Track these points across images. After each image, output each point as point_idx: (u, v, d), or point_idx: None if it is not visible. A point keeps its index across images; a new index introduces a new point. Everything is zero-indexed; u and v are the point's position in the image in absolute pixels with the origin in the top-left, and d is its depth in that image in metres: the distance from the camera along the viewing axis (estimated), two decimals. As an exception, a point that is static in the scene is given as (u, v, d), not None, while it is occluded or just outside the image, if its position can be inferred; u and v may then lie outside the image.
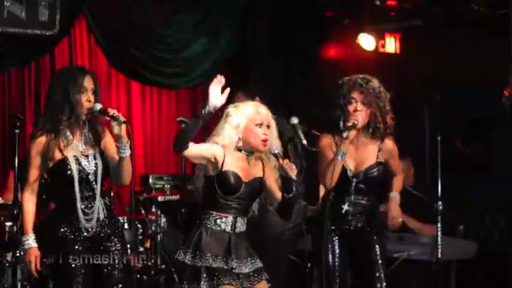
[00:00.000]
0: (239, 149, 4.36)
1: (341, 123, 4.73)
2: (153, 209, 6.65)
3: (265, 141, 4.33)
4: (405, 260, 5.99)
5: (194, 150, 4.25)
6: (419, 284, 5.96)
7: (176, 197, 6.67)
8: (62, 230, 4.15)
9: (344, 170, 4.75)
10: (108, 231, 4.24)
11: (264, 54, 7.55)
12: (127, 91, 7.79)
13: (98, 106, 4.22)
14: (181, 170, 6.34)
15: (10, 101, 6.99)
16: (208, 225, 4.30)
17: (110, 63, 7.27)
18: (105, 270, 4.18)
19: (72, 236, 4.15)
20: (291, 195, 4.29)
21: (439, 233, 5.54)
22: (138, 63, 7.16)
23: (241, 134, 4.35)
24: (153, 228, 6.47)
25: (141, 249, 6.32)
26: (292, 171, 4.25)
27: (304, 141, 4.77)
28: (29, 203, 4.17)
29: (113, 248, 4.22)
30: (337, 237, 4.78)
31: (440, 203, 5.58)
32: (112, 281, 4.19)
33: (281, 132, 4.70)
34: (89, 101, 4.20)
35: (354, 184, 4.77)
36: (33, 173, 4.17)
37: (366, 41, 7.90)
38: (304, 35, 7.60)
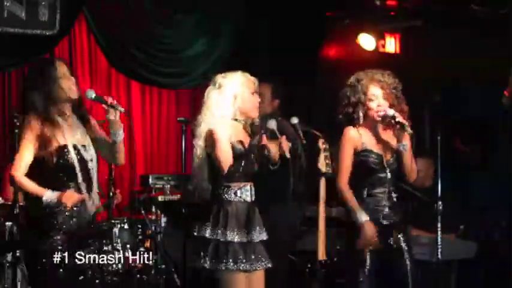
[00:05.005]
0: (235, 118, 4.48)
1: (361, 118, 4.70)
2: (153, 209, 6.65)
3: (257, 108, 4.50)
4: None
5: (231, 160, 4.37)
6: (419, 284, 5.95)
7: (176, 197, 6.67)
8: (57, 220, 4.12)
9: (379, 159, 4.72)
10: (90, 230, 4.24)
11: (264, 54, 7.55)
12: (127, 91, 7.79)
13: (92, 93, 4.24)
14: (181, 170, 6.34)
15: (10, 101, 6.99)
16: (230, 199, 4.39)
17: (110, 63, 7.26)
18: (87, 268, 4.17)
19: (59, 230, 4.12)
20: (276, 167, 4.48)
21: (439, 233, 5.54)
22: (138, 63, 7.15)
23: (238, 103, 4.47)
24: (153, 228, 6.46)
25: (141, 249, 6.31)
26: (287, 149, 4.44)
27: (304, 141, 4.78)
28: (23, 178, 4.13)
29: (95, 246, 4.22)
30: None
31: (440, 203, 5.58)
32: (93, 278, 4.20)
33: (282, 132, 4.71)
34: (71, 82, 4.23)
35: (388, 174, 4.75)
36: (26, 159, 4.13)
37: (366, 41, 7.90)
38: (304, 35, 7.60)
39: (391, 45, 8.07)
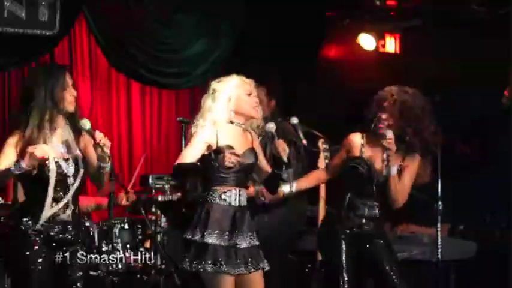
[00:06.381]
0: (231, 121, 4.45)
1: (372, 127, 4.73)
2: (153, 209, 6.65)
3: (255, 108, 4.48)
4: (405, 260, 5.99)
5: (191, 160, 4.37)
6: (419, 284, 5.97)
7: (176, 197, 6.67)
8: (25, 225, 4.10)
9: (367, 170, 4.73)
10: (72, 238, 4.20)
11: (264, 54, 7.55)
12: (127, 91, 7.79)
13: (88, 125, 4.19)
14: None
15: (10, 101, 6.99)
16: (214, 201, 4.38)
17: (110, 63, 7.26)
18: (65, 268, 4.15)
19: (34, 232, 4.10)
20: (281, 171, 4.47)
21: (439, 233, 5.54)
22: (138, 63, 7.15)
23: (233, 106, 4.45)
24: (153, 228, 6.46)
25: (141, 249, 6.31)
26: (284, 153, 4.40)
27: (304, 141, 4.78)
28: None
29: (74, 249, 4.19)
30: (344, 241, 4.74)
31: (440, 203, 5.58)
32: (70, 280, 4.16)
33: (281, 132, 4.72)
34: (73, 96, 4.20)
35: (374, 187, 4.75)
36: (6, 160, 4.07)
37: (366, 41, 7.90)
38: (304, 35, 7.60)
39: (391, 45, 8.07)
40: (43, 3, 6.45)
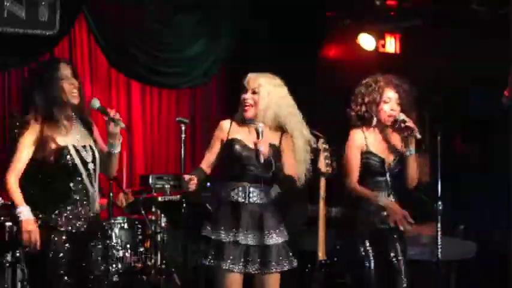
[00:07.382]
0: (242, 119, 4.54)
1: (374, 119, 4.72)
2: (153, 209, 6.65)
3: (244, 106, 4.49)
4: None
5: (214, 160, 4.49)
6: (419, 284, 5.96)
7: (176, 197, 6.67)
8: (52, 220, 4.09)
9: (380, 163, 4.73)
10: (93, 230, 4.21)
11: (264, 54, 7.55)
12: (127, 91, 7.79)
13: (97, 104, 4.24)
14: (181, 170, 6.33)
15: (10, 101, 6.99)
16: (225, 196, 4.39)
17: (110, 63, 7.26)
18: (87, 271, 4.16)
19: (61, 229, 4.10)
20: (270, 173, 4.36)
21: (439, 233, 5.54)
22: (138, 63, 7.16)
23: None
24: (153, 228, 6.46)
25: (141, 249, 6.32)
26: (260, 154, 4.30)
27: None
28: (15, 184, 4.06)
29: (95, 250, 4.20)
30: (368, 238, 4.71)
31: (440, 203, 5.57)
32: (93, 282, 4.18)
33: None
34: (73, 86, 4.21)
35: (388, 178, 4.75)
36: (22, 161, 4.08)
37: (366, 41, 7.90)
38: (304, 35, 7.60)
39: (391, 45, 8.07)
40: (43, 3, 6.45)
